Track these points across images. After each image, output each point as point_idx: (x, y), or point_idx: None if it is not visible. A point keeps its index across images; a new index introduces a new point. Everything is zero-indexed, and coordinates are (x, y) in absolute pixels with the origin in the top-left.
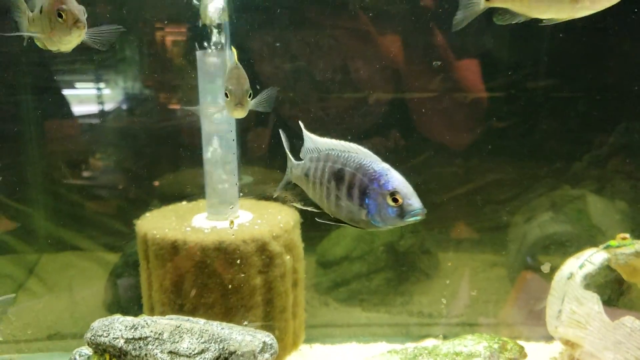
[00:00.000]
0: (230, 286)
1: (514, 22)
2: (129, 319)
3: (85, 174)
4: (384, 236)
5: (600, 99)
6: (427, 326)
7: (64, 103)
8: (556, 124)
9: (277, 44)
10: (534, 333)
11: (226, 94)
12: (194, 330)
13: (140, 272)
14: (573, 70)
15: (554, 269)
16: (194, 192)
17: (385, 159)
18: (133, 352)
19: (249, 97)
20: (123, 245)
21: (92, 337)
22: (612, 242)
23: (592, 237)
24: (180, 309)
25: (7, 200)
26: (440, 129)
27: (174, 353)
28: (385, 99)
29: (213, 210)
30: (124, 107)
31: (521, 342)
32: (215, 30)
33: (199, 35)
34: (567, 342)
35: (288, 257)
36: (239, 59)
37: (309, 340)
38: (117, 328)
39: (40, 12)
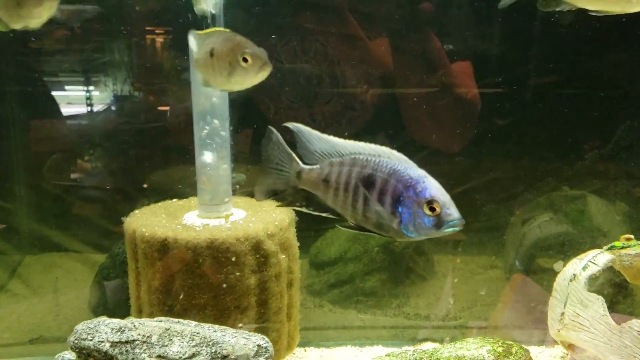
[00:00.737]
0: (223, 286)
1: (557, 9)
2: (116, 321)
3: (71, 171)
4: (379, 237)
5: (603, 96)
6: (424, 329)
7: (49, 101)
8: (556, 124)
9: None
10: (528, 337)
11: (245, 59)
12: (185, 333)
13: (128, 272)
14: (576, 67)
15: (553, 270)
16: (185, 190)
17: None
18: (119, 357)
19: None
20: (110, 244)
21: (76, 341)
22: (617, 243)
23: (593, 238)
24: (170, 311)
25: None
26: (433, 132)
27: (163, 357)
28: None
29: (205, 208)
30: (113, 107)
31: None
32: (208, 19)
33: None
34: (569, 346)
35: (283, 256)
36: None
37: (303, 343)
38: (102, 331)
39: None
